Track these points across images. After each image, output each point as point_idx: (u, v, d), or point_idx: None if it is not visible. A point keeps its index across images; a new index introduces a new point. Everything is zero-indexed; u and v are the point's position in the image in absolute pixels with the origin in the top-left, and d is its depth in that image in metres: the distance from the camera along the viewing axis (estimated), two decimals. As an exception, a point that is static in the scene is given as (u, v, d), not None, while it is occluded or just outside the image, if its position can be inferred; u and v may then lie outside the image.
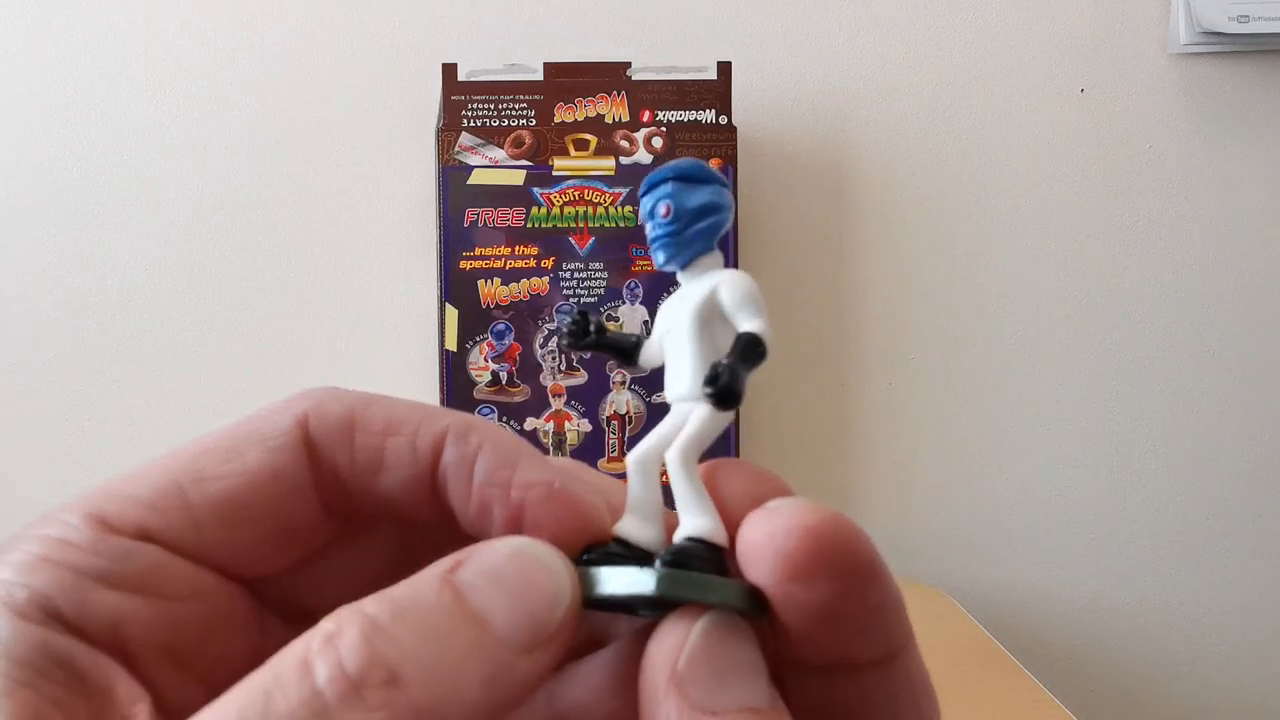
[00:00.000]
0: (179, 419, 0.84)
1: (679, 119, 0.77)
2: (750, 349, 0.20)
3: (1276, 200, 0.86)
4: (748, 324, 0.21)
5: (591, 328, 0.23)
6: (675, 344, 0.22)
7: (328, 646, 0.15)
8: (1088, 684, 0.87)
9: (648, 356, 0.23)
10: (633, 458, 0.21)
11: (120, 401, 0.84)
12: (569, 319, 0.22)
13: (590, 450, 0.76)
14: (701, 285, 0.21)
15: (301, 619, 0.20)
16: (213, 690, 0.18)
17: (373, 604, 0.16)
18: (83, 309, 0.84)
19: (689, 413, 0.21)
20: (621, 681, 0.19)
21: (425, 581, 0.17)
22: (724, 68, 0.77)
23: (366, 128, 0.84)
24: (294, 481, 0.19)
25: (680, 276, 0.22)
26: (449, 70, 0.76)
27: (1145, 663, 0.88)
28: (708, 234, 0.22)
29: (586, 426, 0.76)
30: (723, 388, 0.19)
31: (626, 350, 0.23)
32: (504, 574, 0.17)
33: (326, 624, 0.16)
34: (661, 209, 0.21)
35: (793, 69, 0.85)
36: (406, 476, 0.19)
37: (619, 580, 0.18)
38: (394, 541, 0.21)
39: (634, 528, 0.20)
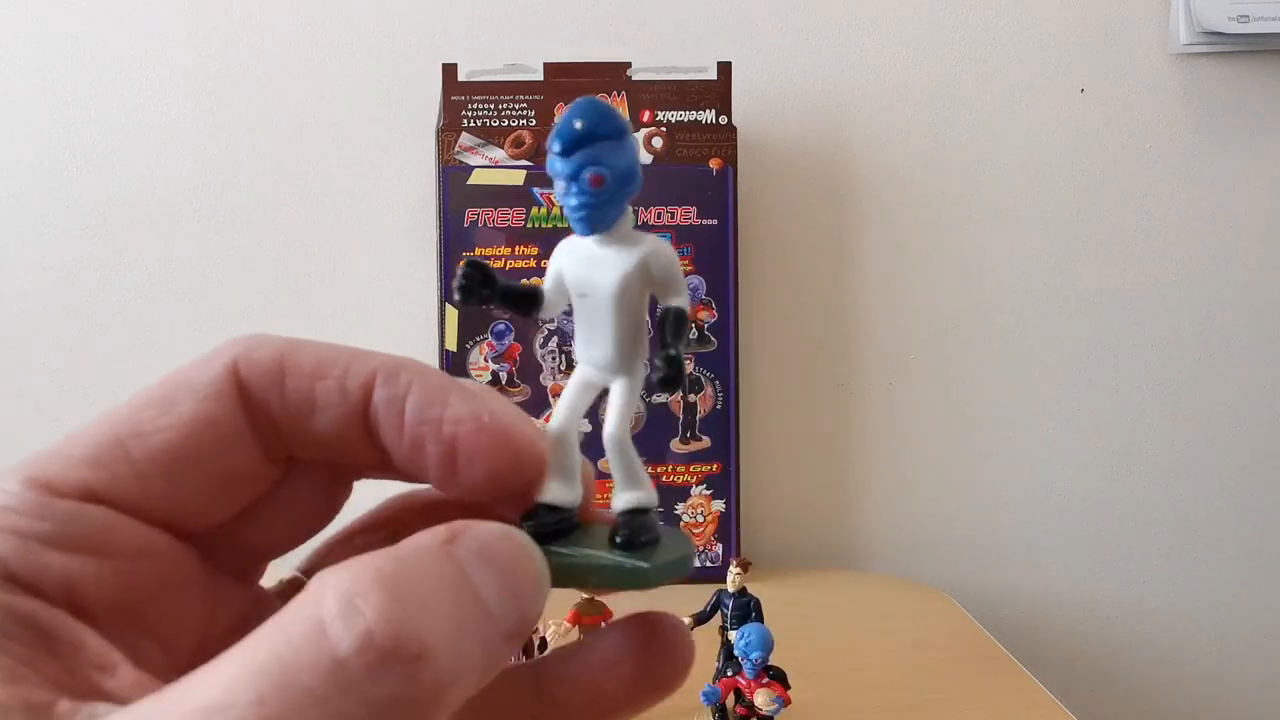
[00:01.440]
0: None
1: (679, 119, 0.77)
2: (680, 327, 0.20)
3: (1276, 199, 0.86)
4: (675, 299, 0.20)
5: (490, 276, 0.21)
6: (595, 310, 0.21)
7: (351, 612, 0.15)
8: (1088, 684, 0.87)
9: (549, 309, 0.22)
10: (555, 431, 0.21)
11: (119, 401, 0.84)
12: (464, 274, 0.21)
13: (591, 450, 0.76)
14: (627, 253, 0.20)
15: (249, 573, 0.21)
16: (169, 648, 0.18)
17: (385, 562, 0.16)
18: (83, 309, 0.84)
19: (600, 382, 0.21)
20: (605, 657, 0.20)
21: (428, 550, 0.17)
22: (724, 68, 0.77)
23: (366, 128, 0.84)
24: (230, 429, 0.19)
25: (597, 240, 0.21)
26: (449, 70, 0.76)
27: (1145, 663, 0.88)
28: (629, 196, 0.20)
29: (586, 426, 0.76)
30: (674, 378, 0.20)
31: (527, 304, 0.22)
32: (498, 557, 0.17)
33: (337, 580, 0.15)
34: (589, 177, 0.20)
35: (793, 69, 0.85)
36: (338, 417, 0.19)
37: (609, 574, 0.20)
38: (331, 487, 0.22)
39: (559, 493, 0.21)
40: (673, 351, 0.20)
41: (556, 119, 0.21)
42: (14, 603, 0.16)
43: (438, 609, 0.15)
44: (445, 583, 0.16)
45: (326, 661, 0.14)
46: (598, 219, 0.20)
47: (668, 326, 0.20)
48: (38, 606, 0.16)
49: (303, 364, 0.19)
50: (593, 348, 0.21)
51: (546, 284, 0.21)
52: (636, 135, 0.77)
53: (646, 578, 0.20)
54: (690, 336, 0.23)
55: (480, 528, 0.18)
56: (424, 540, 0.17)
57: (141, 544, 0.18)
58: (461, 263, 0.21)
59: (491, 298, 0.21)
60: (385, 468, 0.20)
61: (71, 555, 0.17)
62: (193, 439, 0.18)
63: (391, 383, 0.19)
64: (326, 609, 0.15)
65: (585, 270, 0.21)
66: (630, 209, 0.21)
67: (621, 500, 0.21)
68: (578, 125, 0.20)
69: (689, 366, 0.76)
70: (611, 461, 0.21)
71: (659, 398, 0.76)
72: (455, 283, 0.21)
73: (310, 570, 0.22)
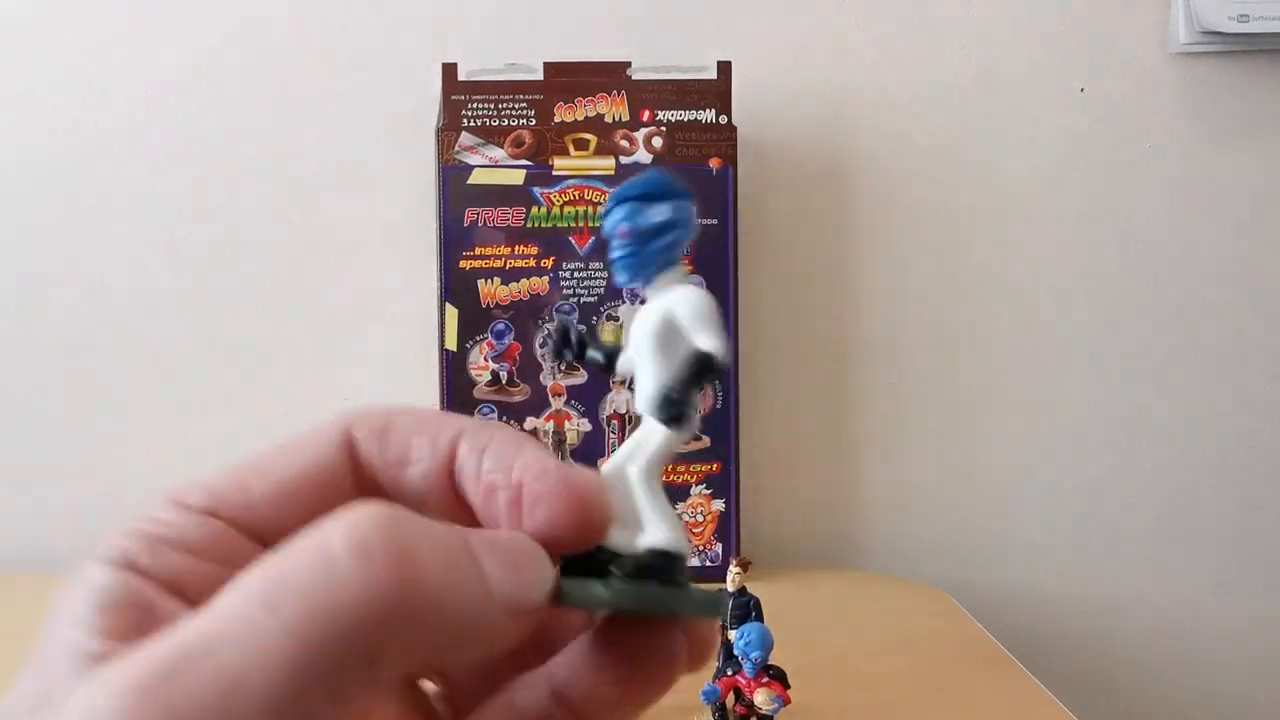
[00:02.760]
0: (181, 419, 0.84)
1: (679, 119, 0.77)
2: (701, 367, 0.22)
3: (1276, 200, 0.86)
4: (701, 341, 0.22)
5: (573, 340, 0.24)
6: (639, 360, 0.23)
7: (361, 549, 0.18)
8: (1088, 684, 0.87)
9: (623, 368, 0.24)
10: (605, 471, 0.23)
11: (122, 403, 0.84)
12: (553, 335, 0.23)
13: (590, 450, 0.76)
14: (656, 302, 0.23)
15: None
16: None
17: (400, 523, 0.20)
18: (84, 309, 0.84)
19: (651, 426, 0.22)
20: (598, 658, 0.22)
21: (449, 529, 0.20)
22: (724, 67, 0.77)
23: (367, 128, 0.84)
24: (334, 472, 0.23)
25: (647, 292, 0.23)
26: (449, 70, 0.76)
27: (1145, 663, 0.88)
28: (667, 251, 0.23)
29: (586, 426, 0.76)
30: (672, 415, 0.21)
31: (607, 362, 0.24)
32: (502, 540, 0.20)
33: (352, 517, 0.19)
34: (619, 230, 0.22)
35: (793, 69, 0.85)
36: (427, 469, 0.23)
37: (583, 591, 0.21)
38: None
39: (614, 535, 0.22)
40: (668, 389, 0.21)
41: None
42: (130, 581, 0.20)
43: (435, 553, 0.19)
44: (449, 545, 0.19)
45: (322, 562, 0.18)
46: (633, 270, 0.23)
47: (686, 366, 0.22)
48: (146, 586, 0.20)
49: (403, 425, 0.23)
50: (641, 396, 0.23)
51: (626, 346, 0.24)
52: (637, 135, 0.77)
53: (719, 608, 0.22)
54: (712, 377, 0.25)
55: (495, 530, 0.21)
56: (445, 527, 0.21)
57: (244, 554, 0.21)
58: (554, 324, 0.23)
59: (578, 358, 0.24)
60: (466, 517, 0.23)
61: (184, 555, 0.21)
62: (300, 479, 0.23)
63: (474, 438, 0.22)
64: (336, 543, 0.18)
65: (636, 324, 0.23)
66: (681, 266, 0.23)
67: (644, 539, 0.22)
68: (622, 189, 0.23)
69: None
70: (637, 498, 0.23)
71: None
72: (547, 343, 0.23)
73: None
